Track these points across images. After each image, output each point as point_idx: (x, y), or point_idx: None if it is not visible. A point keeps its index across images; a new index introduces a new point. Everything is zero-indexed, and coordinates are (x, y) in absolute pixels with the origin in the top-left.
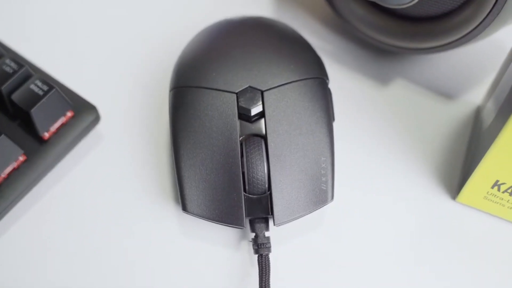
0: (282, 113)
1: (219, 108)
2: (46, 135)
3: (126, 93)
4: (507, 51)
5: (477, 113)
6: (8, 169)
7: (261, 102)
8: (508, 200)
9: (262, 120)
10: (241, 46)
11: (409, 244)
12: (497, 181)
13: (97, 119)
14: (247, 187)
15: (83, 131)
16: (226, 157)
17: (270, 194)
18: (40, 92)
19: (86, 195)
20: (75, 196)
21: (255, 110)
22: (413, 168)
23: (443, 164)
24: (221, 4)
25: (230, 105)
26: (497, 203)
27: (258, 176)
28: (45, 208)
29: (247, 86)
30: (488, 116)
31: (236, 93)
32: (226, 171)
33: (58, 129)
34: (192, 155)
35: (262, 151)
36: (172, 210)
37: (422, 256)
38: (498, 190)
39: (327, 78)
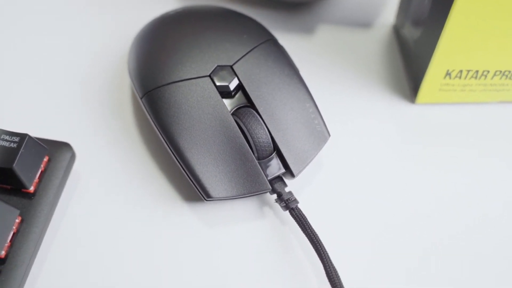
0: (257, 78)
1: (200, 94)
2: (32, 188)
3: (86, 119)
4: None
5: (396, 30)
6: (10, 235)
7: (235, 76)
8: (459, 84)
9: (240, 92)
10: (190, 34)
11: (399, 148)
12: (447, 70)
13: (73, 156)
14: (255, 154)
15: (66, 172)
16: (226, 134)
17: (279, 152)
18: (13, 145)
19: (93, 234)
20: (85, 239)
21: (233, 84)
22: (369, 91)
23: (390, 79)
24: (128, 10)
25: (208, 88)
26: (450, 90)
27: (263, 140)
28: (57, 263)
29: (215, 66)
30: (414, 29)
31: (209, 75)
32: (232, 147)
33: (40, 177)
34: (194, 147)
35: (257, 117)
36: (185, 208)
37: (412, 155)
38: (450, 78)
39: (275, 38)
